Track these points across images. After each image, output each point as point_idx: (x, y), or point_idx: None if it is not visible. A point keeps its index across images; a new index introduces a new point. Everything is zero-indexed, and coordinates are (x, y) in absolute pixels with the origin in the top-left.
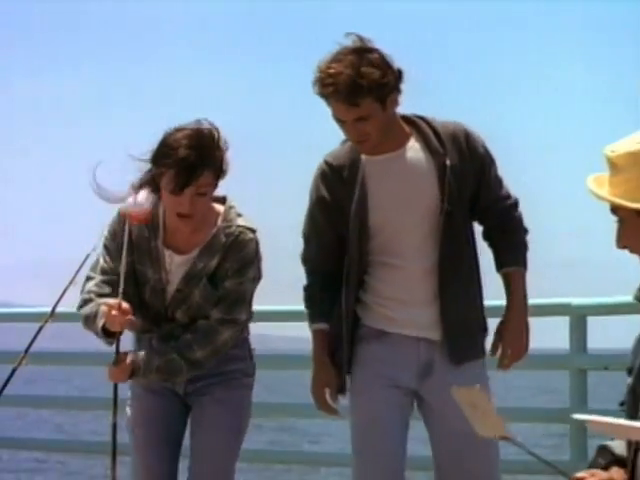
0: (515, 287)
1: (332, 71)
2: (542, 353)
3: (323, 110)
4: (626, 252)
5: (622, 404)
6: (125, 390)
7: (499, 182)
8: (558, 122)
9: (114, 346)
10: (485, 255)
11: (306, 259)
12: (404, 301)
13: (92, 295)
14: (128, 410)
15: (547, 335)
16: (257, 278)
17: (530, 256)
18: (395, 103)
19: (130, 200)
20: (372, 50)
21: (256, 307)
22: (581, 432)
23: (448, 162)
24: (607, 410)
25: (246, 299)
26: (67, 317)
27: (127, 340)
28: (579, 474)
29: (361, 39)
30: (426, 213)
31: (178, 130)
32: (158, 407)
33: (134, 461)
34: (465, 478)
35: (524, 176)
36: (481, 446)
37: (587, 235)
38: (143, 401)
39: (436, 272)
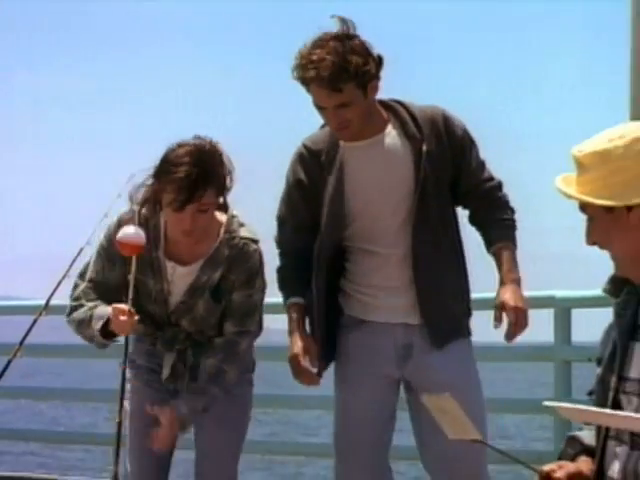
0: (506, 260)
1: (315, 57)
2: (527, 345)
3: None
4: (596, 248)
5: (590, 393)
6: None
7: (481, 165)
8: (553, 116)
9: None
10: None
11: (280, 241)
12: (382, 287)
13: (82, 301)
14: (127, 404)
15: (532, 328)
16: (264, 288)
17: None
18: (375, 90)
19: (130, 230)
20: (353, 36)
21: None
22: (566, 423)
23: (425, 147)
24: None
25: (257, 310)
26: (62, 310)
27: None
28: (547, 467)
29: (344, 22)
30: (403, 200)
31: (180, 146)
32: (156, 402)
33: (129, 454)
34: (448, 453)
35: (509, 167)
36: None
37: (572, 229)
38: (142, 395)
39: (410, 258)
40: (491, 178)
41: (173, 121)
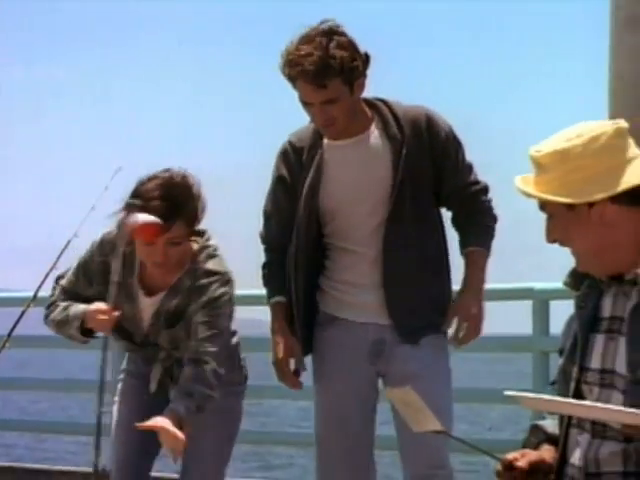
0: (473, 265)
1: (301, 52)
2: (506, 336)
3: None
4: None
5: (553, 383)
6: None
7: (466, 168)
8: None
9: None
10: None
11: (265, 236)
12: (354, 284)
13: (57, 302)
14: (119, 386)
15: (511, 319)
16: (230, 314)
17: (494, 241)
18: (362, 88)
19: (140, 216)
20: (341, 33)
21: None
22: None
23: (404, 149)
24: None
25: (220, 334)
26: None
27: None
28: (509, 455)
29: (330, 22)
30: (380, 201)
31: (150, 179)
32: (146, 391)
33: (114, 438)
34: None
35: (492, 160)
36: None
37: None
38: (134, 380)
39: (381, 258)
40: (476, 182)
41: (172, 117)
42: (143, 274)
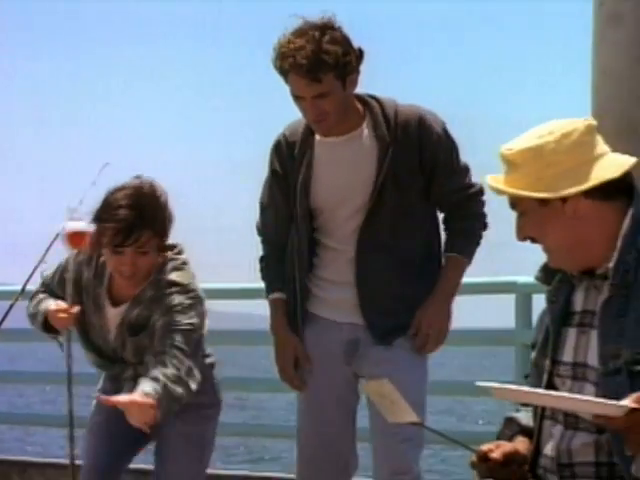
0: (447, 273)
1: (294, 45)
2: (489, 330)
3: None
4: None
5: (527, 377)
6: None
7: (459, 171)
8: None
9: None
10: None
11: (262, 229)
12: (332, 281)
13: (38, 294)
14: (97, 393)
15: (494, 313)
16: (196, 325)
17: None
18: (354, 84)
19: (69, 224)
20: (335, 28)
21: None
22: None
23: (390, 152)
24: (528, 383)
25: (180, 329)
26: None
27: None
28: (484, 447)
29: (326, 17)
30: (362, 203)
31: (119, 189)
32: (113, 416)
33: (85, 445)
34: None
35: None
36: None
37: None
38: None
39: (355, 258)
40: (468, 186)
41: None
42: (112, 285)
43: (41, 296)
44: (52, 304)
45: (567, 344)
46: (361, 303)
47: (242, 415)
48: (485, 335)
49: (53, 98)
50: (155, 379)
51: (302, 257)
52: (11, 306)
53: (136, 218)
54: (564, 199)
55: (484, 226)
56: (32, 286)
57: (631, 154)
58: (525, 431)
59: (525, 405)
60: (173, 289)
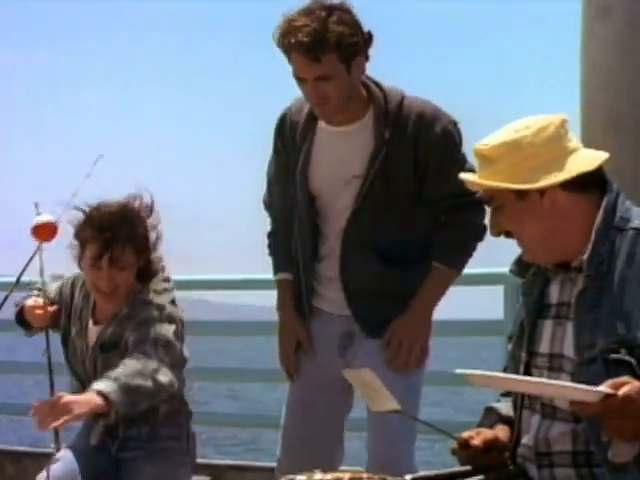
0: (428, 283)
1: (298, 23)
2: (478, 320)
3: None
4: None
5: (505, 369)
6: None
7: (455, 176)
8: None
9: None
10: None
11: (269, 202)
12: (325, 276)
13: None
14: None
15: (483, 304)
16: (164, 336)
17: None
18: (360, 69)
19: (37, 217)
20: (344, 10)
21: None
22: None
23: (384, 150)
24: None
25: (149, 339)
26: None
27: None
28: (465, 434)
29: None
30: (351, 200)
31: (102, 205)
32: (87, 449)
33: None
34: (379, 420)
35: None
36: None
37: None
38: (83, 429)
39: (340, 254)
40: (463, 194)
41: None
42: (96, 304)
43: (34, 292)
44: (29, 300)
45: (544, 336)
46: (347, 299)
47: (235, 406)
48: (472, 325)
49: (50, 90)
50: (108, 376)
51: (305, 246)
52: (6, 297)
53: (114, 233)
54: (542, 191)
55: (477, 237)
56: (28, 277)
57: (619, 147)
58: (504, 420)
59: (505, 395)
60: (146, 307)
